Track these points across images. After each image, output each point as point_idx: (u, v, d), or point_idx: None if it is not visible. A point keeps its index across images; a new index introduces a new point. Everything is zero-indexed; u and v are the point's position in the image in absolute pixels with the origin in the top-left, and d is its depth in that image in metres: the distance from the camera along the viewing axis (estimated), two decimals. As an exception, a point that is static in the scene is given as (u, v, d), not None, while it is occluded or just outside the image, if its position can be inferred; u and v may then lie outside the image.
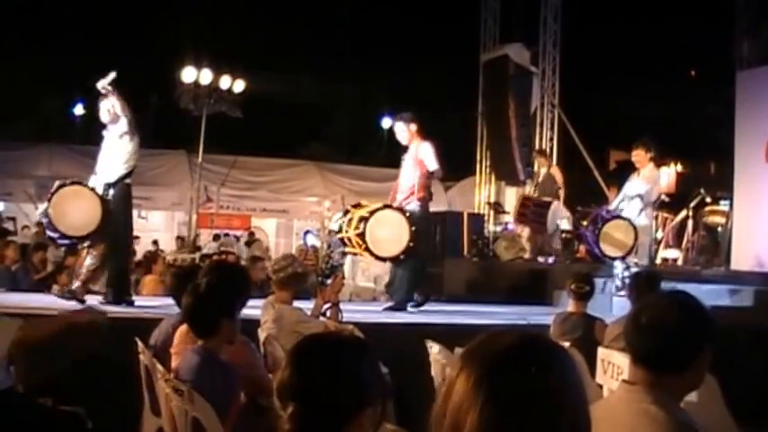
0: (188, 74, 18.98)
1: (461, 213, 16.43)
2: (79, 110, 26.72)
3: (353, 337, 2.51)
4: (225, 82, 19.52)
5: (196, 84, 19.15)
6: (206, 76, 19.10)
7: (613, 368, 5.84)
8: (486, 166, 17.78)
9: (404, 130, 9.83)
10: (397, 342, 7.11)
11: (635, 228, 10.22)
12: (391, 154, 24.93)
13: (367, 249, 9.28)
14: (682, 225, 15.01)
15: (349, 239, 9.73)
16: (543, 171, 14.82)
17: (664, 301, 2.86)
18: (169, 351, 4.91)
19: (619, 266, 10.44)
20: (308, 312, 6.53)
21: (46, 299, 9.34)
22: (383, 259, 9.70)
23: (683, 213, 14.92)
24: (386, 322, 8.68)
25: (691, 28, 18.41)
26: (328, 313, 6.47)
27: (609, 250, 10.11)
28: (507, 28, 17.20)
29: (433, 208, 19.89)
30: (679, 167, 20.24)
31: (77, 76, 23.26)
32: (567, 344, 6.35)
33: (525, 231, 15.10)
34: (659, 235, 15.19)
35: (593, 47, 19.60)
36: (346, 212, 9.94)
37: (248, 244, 19.64)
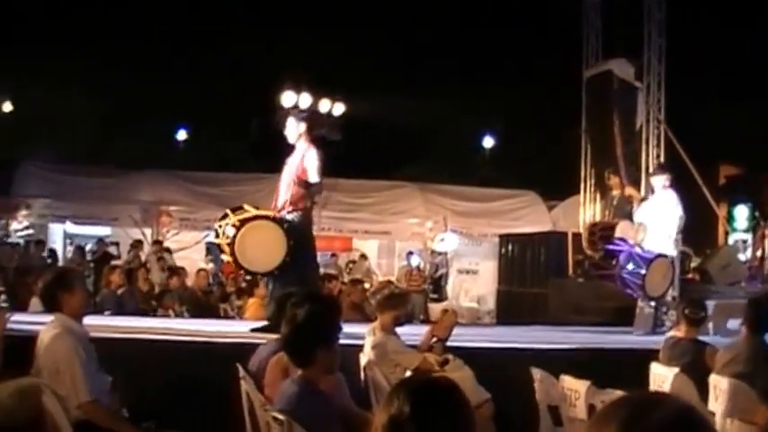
0: (287, 98, 19.16)
1: (566, 233, 16.13)
2: (182, 135, 27.29)
3: (454, 383, 2.54)
4: (324, 105, 19.65)
5: (296, 108, 19.33)
6: (305, 100, 19.26)
7: (723, 396, 5.59)
8: (591, 185, 17.34)
9: (294, 127, 9.00)
10: (501, 366, 6.98)
11: (672, 264, 10.34)
12: (494, 173, 24.83)
13: (236, 261, 8.41)
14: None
15: (219, 246, 8.90)
16: (616, 194, 14.25)
17: None
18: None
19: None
20: (418, 342, 6.49)
21: (150, 322, 9.49)
22: (253, 273, 9.00)
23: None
24: (490, 347, 8.54)
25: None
26: (434, 348, 6.40)
27: (652, 291, 10.14)
28: (610, 43, 16.85)
29: (536, 228, 19.74)
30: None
31: (180, 102, 23.84)
32: (676, 369, 6.11)
33: None
34: (758, 253, 14.79)
35: (699, 60, 19.10)
36: (225, 216, 8.69)
37: (349, 268, 19.72)
